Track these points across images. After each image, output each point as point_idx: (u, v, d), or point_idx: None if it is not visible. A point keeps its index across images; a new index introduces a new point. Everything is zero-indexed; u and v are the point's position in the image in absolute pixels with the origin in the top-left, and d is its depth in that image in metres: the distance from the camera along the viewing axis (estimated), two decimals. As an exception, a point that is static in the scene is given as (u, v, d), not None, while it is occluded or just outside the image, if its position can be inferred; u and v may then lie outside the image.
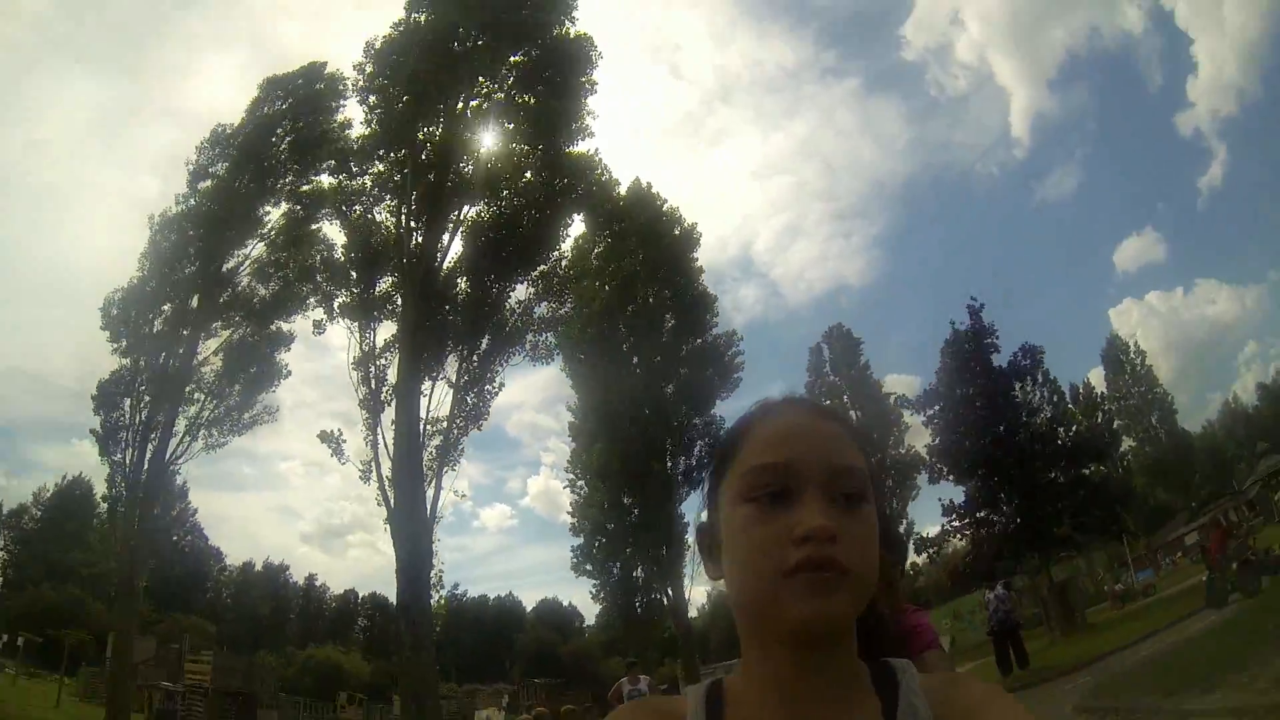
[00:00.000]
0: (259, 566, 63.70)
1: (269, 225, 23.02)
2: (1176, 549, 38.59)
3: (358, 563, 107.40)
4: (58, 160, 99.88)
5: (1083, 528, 23.43)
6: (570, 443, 30.78)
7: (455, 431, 14.55)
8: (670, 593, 28.14)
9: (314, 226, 23.08)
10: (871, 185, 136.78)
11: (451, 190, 17.02)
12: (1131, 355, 50.24)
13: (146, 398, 20.82)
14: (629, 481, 26.93)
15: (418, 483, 13.30)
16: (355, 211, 16.70)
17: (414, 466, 13.32)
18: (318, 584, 69.68)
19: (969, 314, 24.15)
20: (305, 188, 23.13)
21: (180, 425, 20.73)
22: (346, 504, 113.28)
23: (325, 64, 23.74)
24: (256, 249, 22.85)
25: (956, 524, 24.18)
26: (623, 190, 25.16)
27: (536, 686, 38.72)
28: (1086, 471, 24.25)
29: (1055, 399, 27.32)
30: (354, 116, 21.86)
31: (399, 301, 15.61)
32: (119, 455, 20.09)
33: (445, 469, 13.90)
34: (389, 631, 67.61)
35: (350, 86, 20.97)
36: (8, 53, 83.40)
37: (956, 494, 24.67)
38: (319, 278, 16.14)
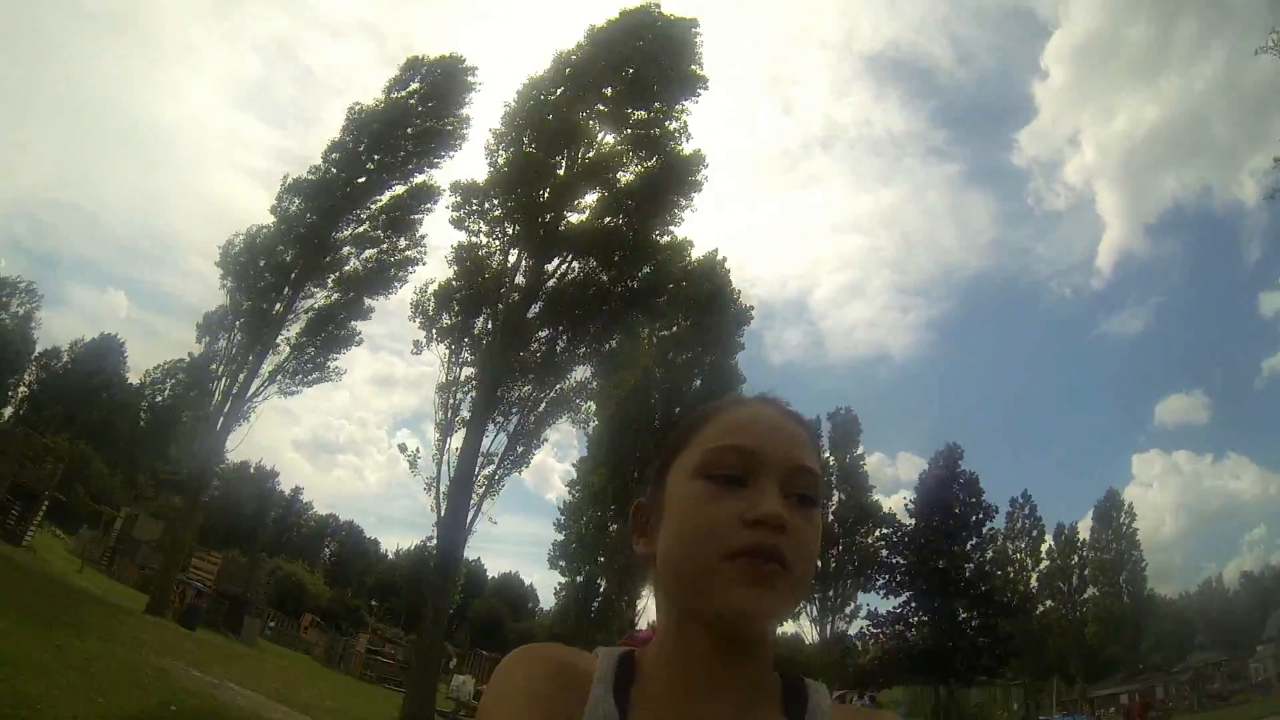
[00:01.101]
0: (253, 468, 68.20)
1: (379, 204, 27.14)
2: (1110, 704, 40.74)
3: (339, 483, 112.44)
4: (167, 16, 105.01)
5: (977, 667, 28.50)
6: (581, 435, 34.06)
7: (500, 471, 18.62)
8: (625, 607, 31.77)
9: (414, 216, 27.30)
10: (942, 270, 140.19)
11: (552, 248, 21.00)
12: (1123, 515, 54.07)
13: (239, 336, 25.11)
14: (619, 510, 30.81)
15: (466, 500, 17.36)
16: (472, 245, 20.53)
17: (466, 488, 17.38)
18: (302, 498, 74.08)
19: (943, 459, 29.33)
20: (419, 178, 27.30)
21: (265, 367, 24.83)
22: (346, 424, 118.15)
23: (463, 59, 27.75)
24: (363, 225, 27.01)
25: (873, 630, 30.03)
26: (695, 255, 28.90)
27: (483, 657, 42.43)
28: (994, 622, 29.73)
29: (992, 553, 32.97)
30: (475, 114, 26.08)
31: (486, 339, 19.54)
32: (213, 383, 24.33)
33: (487, 496, 17.95)
34: (353, 564, 72.60)
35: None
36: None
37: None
38: (430, 307, 19.67)
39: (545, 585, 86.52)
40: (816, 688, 0.84)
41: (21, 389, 62.72)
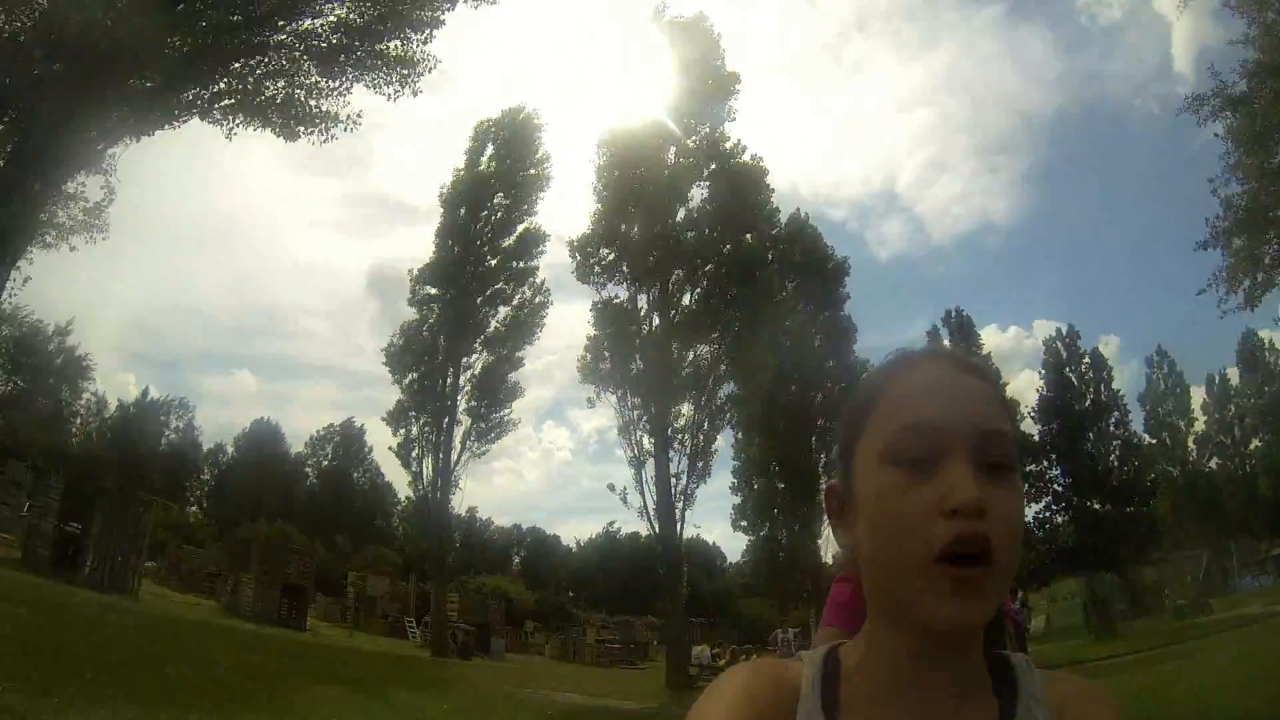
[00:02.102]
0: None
1: (496, 262, 31.70)
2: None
3: (501, 489, 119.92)
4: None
5: (1128, 555, 32.03)
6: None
7: (690, 484, 23.49)
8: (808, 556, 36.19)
9: (532, 264, 31.82)
10: (1019, 119, 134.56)
11: (666, 268, 25.35)
12: (1266, 354, 50.60)
13: (424, 419, 30.29)
14: (781, 473, 35.11)
15: (671, 516, 22.30)
16: (607, 300, 25.32)
17: (669, 505, 22.34)
18: (480, 516, 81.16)
19: (1061, 344, 33.03)
20: (522, 227, 31.78)
21: (456, 438, 30.01)
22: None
23: (523, 110, 32.75)
24: (487, 289, 31.64)
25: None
26: (782, 219, 32.59)
27: (692, 625, 46.84)
28: (1129, 509, 33.03)
29: (1123, 444, 35.96)
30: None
31: (638, 372, 24.25)
32: (414, 466, 29.74)
33: (686, 509, 23.02)
34: (545, 564, 79.70)
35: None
36: None
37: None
38: (587, 360, 24.54)
39: (725, 540, 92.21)
40: (1023, 665, 0.83)
41: (199, 487, 71.29)
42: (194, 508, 69.25)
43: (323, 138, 14.82)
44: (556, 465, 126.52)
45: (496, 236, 31.75)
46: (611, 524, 78.35)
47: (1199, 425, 51.07)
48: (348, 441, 73.34)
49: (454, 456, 29.70)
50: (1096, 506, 35.05)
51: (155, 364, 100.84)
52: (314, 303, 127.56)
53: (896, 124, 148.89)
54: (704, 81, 26.82)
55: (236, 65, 13.57)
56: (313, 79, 14.39)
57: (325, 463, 72.28)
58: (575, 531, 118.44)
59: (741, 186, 25.78)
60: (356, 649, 24.34)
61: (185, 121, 13.48)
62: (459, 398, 30.41)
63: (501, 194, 31.92)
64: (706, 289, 25.53)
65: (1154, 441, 47.03)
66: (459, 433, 30.00)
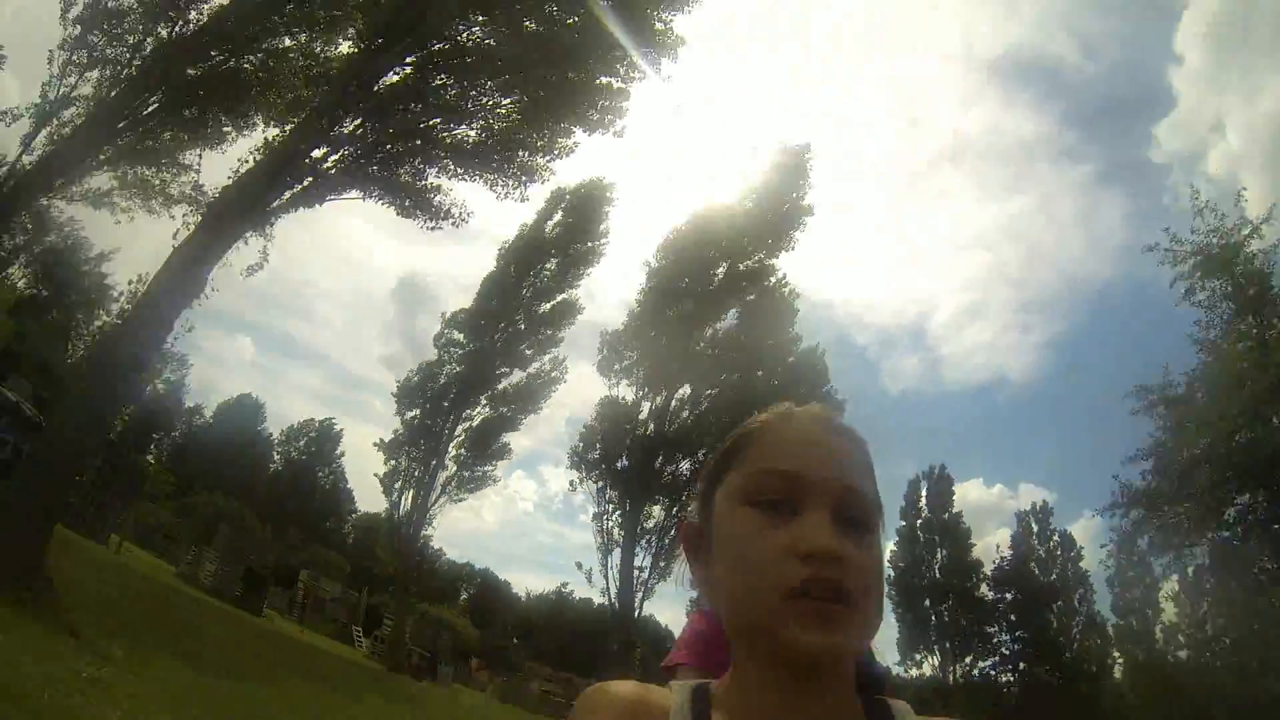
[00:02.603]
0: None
1: (527, 326, 34.23)
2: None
3: (456, 523, 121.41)
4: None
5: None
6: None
7: (651, 579, 26.28)
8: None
9: (560, 334, 34.29)
10: (1067, 282, 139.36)
11: (676, 399, 28.26)
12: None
13: (414, 452, 32.73)
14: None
15: (631, 601, 25.08)
16: (613, 398, 28.19)
17: (630, 593, 25.16)
18: (434, 545, 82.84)
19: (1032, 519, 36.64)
20: (561, 296, 34.27)
21: (439, 479, 32.45)
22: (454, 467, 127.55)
23: (602, 180, 34.36)
24: (512, 350, 34.26)
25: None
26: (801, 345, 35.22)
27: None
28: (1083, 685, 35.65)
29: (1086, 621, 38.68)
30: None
31: (625, 471, 27.03)
32: (394, 496, 32.16)
33: (645, 599, 25.86)
34: (493, 606, 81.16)
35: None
36: None
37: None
38: (580, 448, 27.37)
39: (676, 625, 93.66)
40: (900, 707, 0.85)
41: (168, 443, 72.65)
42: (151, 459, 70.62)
43: (432, 224, 17.50)
44: (517, 514, 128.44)
45: (535, 300, 34.01)
46: (565, 585, 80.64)
47: (1168, 614, 53.21)
48: (322, 440, 75.48)
49: (433, 496, 32.09)
50: (1046, 676, 37.46)
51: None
52: (335, 289, 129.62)
53: (951, 261, 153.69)
54: (779, 209, 29.60)
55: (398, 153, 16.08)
56: (441, 178, 17.00)
57: (295, 454, 74.20)
58: (525, 582, 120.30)
59: (770, 321, 28.80)
60: (315, 648, 25.55)
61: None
62: (450, 445, 32.84)
63: (555, 260, 34.13)
64: (704, 411, 28.25)
65: (1120, 623, 49.43)
66: (442, 475, 32.41)
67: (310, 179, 14.23)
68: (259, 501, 66.78)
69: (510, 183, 17.31)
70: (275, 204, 13.87)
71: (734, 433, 0.91)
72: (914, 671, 45.89)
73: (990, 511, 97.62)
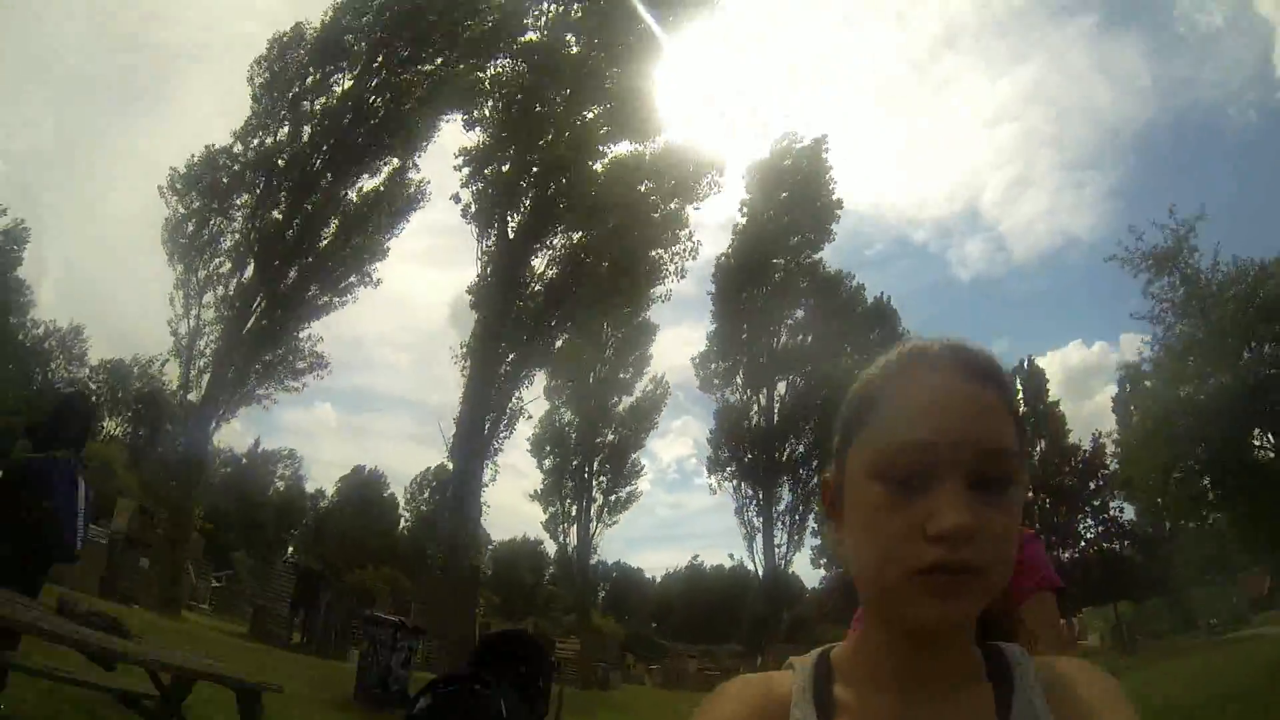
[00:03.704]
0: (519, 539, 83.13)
1: (621, 362, 39.72)
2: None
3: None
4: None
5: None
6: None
7: (789, 552, 31.59)
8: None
9: (648, 352, 39.68)
10: (1106, 132, 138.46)
11: (776, 392, 33.45)
12: None
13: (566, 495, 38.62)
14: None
15: (774, 571, 30.43)
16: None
17: (773, 566, 30.49)
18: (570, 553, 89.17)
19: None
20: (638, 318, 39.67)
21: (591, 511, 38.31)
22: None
23: None
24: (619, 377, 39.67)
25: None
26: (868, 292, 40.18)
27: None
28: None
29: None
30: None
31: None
32: (560, 538, 38.18)
33: (786, 569, 31.11)
34: (631, 597, 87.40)
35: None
36: None
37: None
38: None
39: (806, 570, 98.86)
40: (1017, 655, 0.86)
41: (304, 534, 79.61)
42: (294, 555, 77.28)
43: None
44: (635, 494, 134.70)
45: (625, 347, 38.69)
46: (695, 557, 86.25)
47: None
48: (443, 486, 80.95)
49: (591, 528, 38.05)
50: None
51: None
52: (394, 334, 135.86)
53: (982, 141, 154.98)
54: (812, 207, 34.37)
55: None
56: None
57: (424, 508, 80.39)
58: (653, 560, 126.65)
59: (833, 304, 33.88)
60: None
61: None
62: (591, 480, 38.63)
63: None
64: (802, 392, 33.47)
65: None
66: (593, 507, 38.35)
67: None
68: (400, 562, 72.27)
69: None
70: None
71: (859, 386, 0.89)
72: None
73: (1096, 370, 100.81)
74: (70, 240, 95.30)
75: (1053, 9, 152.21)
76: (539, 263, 19.65)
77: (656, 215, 20.53)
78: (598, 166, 19.35)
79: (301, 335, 24.46)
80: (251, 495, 75.31)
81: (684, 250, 22.28)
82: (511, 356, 18.95)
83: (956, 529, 0.74)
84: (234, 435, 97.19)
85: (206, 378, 22.64)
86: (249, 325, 22.86)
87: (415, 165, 25.38)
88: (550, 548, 48.94)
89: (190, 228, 23.46)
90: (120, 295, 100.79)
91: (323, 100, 24.80)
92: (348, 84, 25.02)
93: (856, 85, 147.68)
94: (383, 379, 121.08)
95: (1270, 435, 18.06)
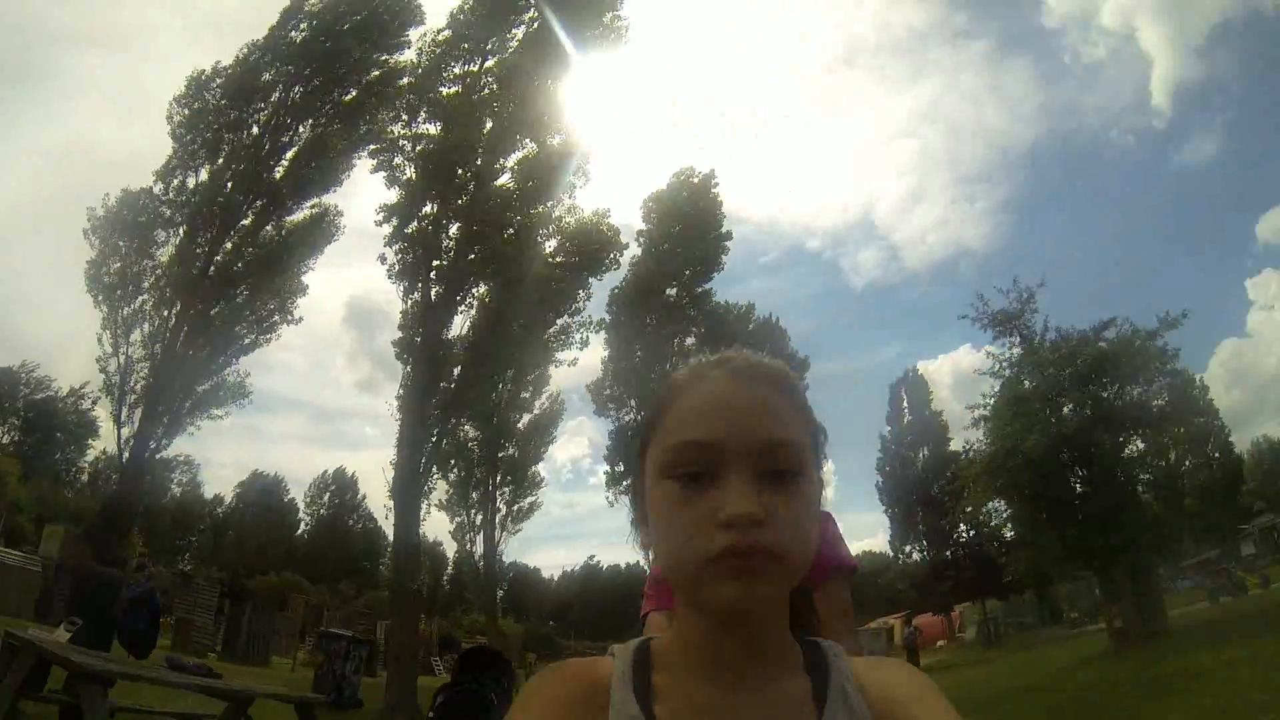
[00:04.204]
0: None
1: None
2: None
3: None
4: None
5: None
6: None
7: None
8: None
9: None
10: (997, 151, 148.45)
11: None
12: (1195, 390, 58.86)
13: (471, 507, 41.05)
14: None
15: None
16: None
17: None
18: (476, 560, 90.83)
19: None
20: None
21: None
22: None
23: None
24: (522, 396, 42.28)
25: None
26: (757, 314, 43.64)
27: None
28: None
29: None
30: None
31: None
32: (468, 545, 40.61)
33: None
34: (528, 596, 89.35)
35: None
36: None
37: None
38: None
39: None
40: (833, 648, 0.92)
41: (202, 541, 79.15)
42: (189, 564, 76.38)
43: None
44: (537, 504, 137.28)
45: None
46: (592, 557, 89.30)
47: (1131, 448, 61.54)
48: (342, 489, 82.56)
49: (496, 535, 40.68)
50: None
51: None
52: (288, 336, 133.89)
53: (878, 156, 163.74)
54: (704, 239, 36.94)
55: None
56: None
57: (322, 511, 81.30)
58: (546, 559, 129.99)
59: (723, 330, 36.73)
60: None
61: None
62: (495, 492, 41.16)
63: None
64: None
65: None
66: (497, 517, 40.96)
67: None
68: (300, 565, 72.56)
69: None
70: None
71: (650, 399, 0.96)
72: (904, 562, 55.66)
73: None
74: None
75: (950, 33, 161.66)
76: (459, 319, 21.74)
77: (563, 287, 23.17)
78: (510, 230, 21.59)
79: (227, 372, 26.50)
80: (149, 503, 74.67)
81: (587, 321, 25.05)
82: (436, 404, 21.12)
83: (742, 515, 0.79)
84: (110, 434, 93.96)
85: (139, 412, 24.39)
86: (176, 360, 24.68)
87: (336, 208, 27.78)
88: (450, 548, 50.95)
89: (115, 266, 25.16)
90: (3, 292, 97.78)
91: (241, 136, 26.76)
92: (264, 120, 27.02)
93: (759, 99, 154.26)
94: (279, 380, 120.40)
95: (1082, 471, 21.40)
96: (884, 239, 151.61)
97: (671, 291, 37.23)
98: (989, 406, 22.29)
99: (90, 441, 70.27)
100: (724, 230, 37.66)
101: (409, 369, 20.74)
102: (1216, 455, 59.35)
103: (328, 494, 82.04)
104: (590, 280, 24.19)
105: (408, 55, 26.54)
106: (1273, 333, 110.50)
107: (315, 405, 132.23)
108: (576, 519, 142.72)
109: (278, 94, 27.04)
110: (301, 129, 27.12)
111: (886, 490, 53.92)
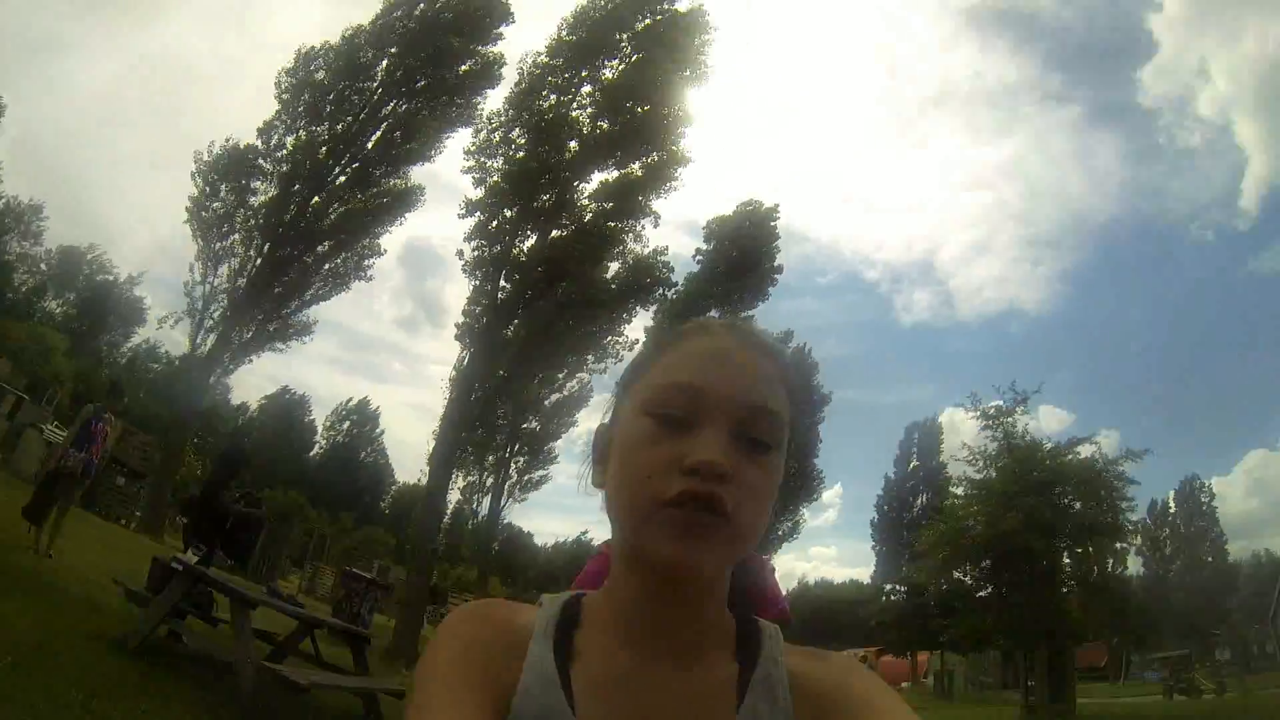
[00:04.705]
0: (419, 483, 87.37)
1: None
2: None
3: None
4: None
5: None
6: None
7: None
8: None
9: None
10: (1070, 218, 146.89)
11: None
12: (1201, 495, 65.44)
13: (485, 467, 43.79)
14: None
15: None
16: None
17: None
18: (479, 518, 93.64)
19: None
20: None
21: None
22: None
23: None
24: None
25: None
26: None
27: None
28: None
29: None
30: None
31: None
32: (474, 504, 43.44)
33: None
34: (518, 560, 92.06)
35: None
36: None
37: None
38: None
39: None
40: (769, 630, 0.90)
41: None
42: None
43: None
44: (547, 478, 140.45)
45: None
46: (585, 533, 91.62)
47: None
48: (362, 420, 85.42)
49: (502, 500, 43.50)
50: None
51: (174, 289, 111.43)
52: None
53: (951, 201, 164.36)
54: (757, 269, 38.68)
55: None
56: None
57: (339, 438, 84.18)
58: (542, 525, 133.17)
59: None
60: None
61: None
62: (510, 460, 43.79)
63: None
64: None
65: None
66: (508, 484, 43.68)
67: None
68: (308, 488, 74.45)
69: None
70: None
71: (649, 340, 0.97)
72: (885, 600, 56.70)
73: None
74: (38, 116, 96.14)
75: (1043, 94, 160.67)
76: (518, 325, 24.15)
77: (615, 312, 25.66)
78: (580, 248, 23.72)
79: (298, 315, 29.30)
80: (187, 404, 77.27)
81: (628, 342, 27.47)
82: (482, 390, 23.68)
83: (710, 463, 0.78)
84: (172, 341, 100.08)
85: (212, 337, 27.22)
86: (254, 295, 27.39)
87: (421, 188, 30.27)
88: (452, 498, 53.58)
89: (215, 205, 27.89)
90: (85, 176, 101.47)
91: (340, 107, 29.26)
92: (364, 95, 29.53)
93: (843, 124, 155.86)
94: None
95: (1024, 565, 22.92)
96: (941, 284, 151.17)
97: (715, 313, 39.32)
98: (963, 484, 24.86)
99: (136, 329, 74.15)
100: (776, 264, 39.70)
101: (466, 355, 23.19)
102: (1210, 560, 61.41)
103: (348, 423, 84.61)
104: (637, 309, 26.80)
105: (499, 47, 29.15)
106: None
107: (351, 330, 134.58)
108: (579, 492, 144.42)
109: (380, 74, 29.37)
110: (398, 106, 29.52)
111: (880, 528, 56.00)
